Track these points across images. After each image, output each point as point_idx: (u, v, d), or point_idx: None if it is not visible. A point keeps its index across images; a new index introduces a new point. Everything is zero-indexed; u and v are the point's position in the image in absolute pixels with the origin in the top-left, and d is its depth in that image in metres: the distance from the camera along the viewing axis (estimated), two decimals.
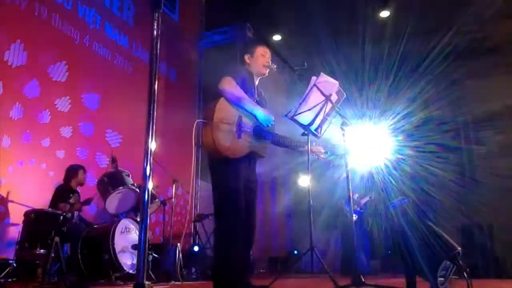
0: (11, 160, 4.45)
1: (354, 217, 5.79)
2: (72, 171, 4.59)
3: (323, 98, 2.75)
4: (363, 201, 6.10)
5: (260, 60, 2.79)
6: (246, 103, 2.57)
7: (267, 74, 2.85)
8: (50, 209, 4.09)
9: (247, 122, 2.60)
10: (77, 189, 4.62)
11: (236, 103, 2.55)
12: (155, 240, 5.79)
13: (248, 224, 2.60)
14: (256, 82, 2.84)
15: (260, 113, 2.59)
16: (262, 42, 3.01)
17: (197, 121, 2.54)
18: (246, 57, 2.81)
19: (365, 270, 5.43)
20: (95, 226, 4.36)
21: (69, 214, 3.90)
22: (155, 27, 1.54)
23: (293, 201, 10.08)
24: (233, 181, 2.52)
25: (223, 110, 2.51)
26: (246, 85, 2.67)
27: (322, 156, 3.08)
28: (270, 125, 2.63)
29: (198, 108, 8.01)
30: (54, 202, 4.27)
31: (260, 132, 2.66)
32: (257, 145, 2.60)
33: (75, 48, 5.45)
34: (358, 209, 6.12)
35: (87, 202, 4.49)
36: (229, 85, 2.54)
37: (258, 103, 2.75)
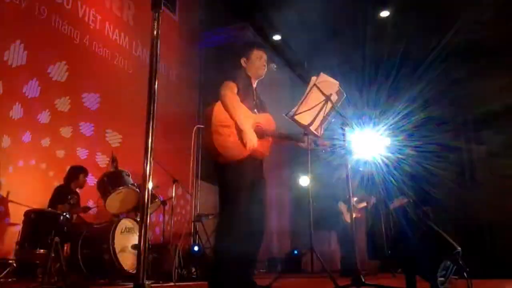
0: (11, 160, 4.45)
1: (355, 214, 5.78)
2: (73, 174, 4.59)
3: (323, 98, 2.76)
4: (360, 205, 6.08)
5: (257, 63, 2.80)
6: (237, 117, 2.51)
7: (263, 76, 2.86)
8: (49, 209, 4.09)
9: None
10: (77, 190, 4.62)
11: (228, 110, 2.52)
12: (155, 240, 5.79)
13: (257, 223, 2.61)
14: (254, 85, 2.85)
15: (247, 131, 2.51)
16: (257, 45, 3.02)
17: (196, 126, 2.56)
18: (243, 60, 2.81)
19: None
20: (95, 226, 4.36)
21: (69, 214, 3.90)
22: (155, 27, 1.54)
23: (293, 201, 10.09)
24: (238, 184, 2.53)
25: (222, 113, 2.52)
26: (245, 89, 2.69)
27: (327, 148, 3.07)
28: (248, 148, 2.51)
29: (198, 108, 8.01)
30: (53, 202, 4.28)
31: (262, 131, 2.67)
32: (259, 145, 2.60)
33: (75, 48, 5.45)
34: (355, 214, 6.07)
35: (86, 209, 4.51)
36: (230, 92, 2.54)
37: (257, 106, 2.77)
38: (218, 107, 2.53)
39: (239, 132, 2.52)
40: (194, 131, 2.55)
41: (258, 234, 2.64)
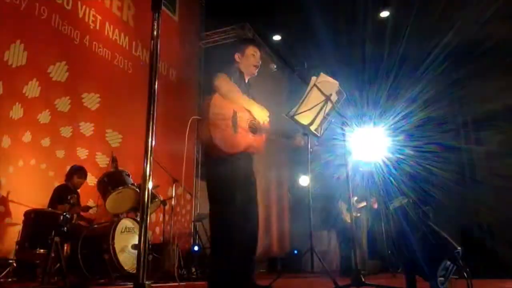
0: (11, 160, 4.45)
1: (354, 214, 5.79)
2: (69, 174, 4.60)
3: (323, 98, 2.76)
4: (360, 205, 6.07)
5: (251, 59, 2.81)
6: (241, 99, 2.62)
7: (256, 74, 2.87)
8: (50, 209, 4.09)
9: (243, 117, 2.61)
10: (77, 189, 4.62)
11: (229, 97, 2.58)
12: (155, 240, 5.79)
13: (250, 220, 2.60)
14: (246, 81, 2.86)
15: (255, 108, 2.64)
16: (252, 42, 3.03)
17: (192, 118, 2.54)
18: (237, 56, 2.82)
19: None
20: (95, 226, 4.36)
21: (69, 214, 3.90)
22: (155, 27, 1.54)
23: (293, 201, 10.09)
24: (231, 179, 2.52)
25: (218, 105, 2.52)
26: (238, 84, 2.70)
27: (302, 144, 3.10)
28: (265, 121, 2.66)
29: (198, 108, 8.01)
30: (53, 202, 4.28)
31: (256, 126, 2.67)
32: (254, 140, 2.60)
33: (75, 48, 5.45)
34: (354, 213, 6.07)
35: (86, 208, 4.51)
36: (224, 81, 2.58)
37: None
38: (214, 100, 2.52)
39: (236, 124, 2.53)
40: (189, 122, 2.52)
41: (253, 232, 2.62)
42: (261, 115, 2.65)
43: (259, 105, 2.67)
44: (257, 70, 2.84)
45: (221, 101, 2.53)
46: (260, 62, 2.85)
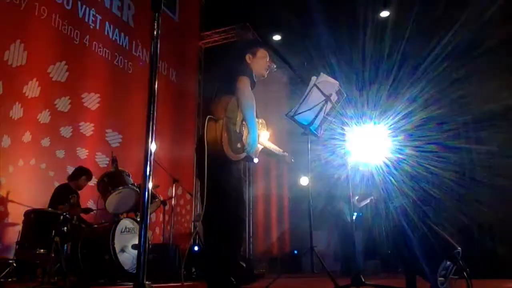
0: (11, 160, 4.45)
1: (355, 213, 5.80)
2: (76, 174, 4.60)
3: (323, 98, 2.76)
4: (362, 203, 6.07)
5: (262, 62, 2.76)
6: (252, 115, 2.48)
7: (265, 76, 2.83)
8: (50, 209, 4.09)
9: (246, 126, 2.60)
10: (78, 190, 4.62)
11: (244, 109, 2.47)
12: (155, 240, 5.79)
13: (242, 224, 2.61)
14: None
15: (254, 134, 2.49)
16: (264, 44, 3.00)
17: (208, 116, 2.47)
18: (248, 56, 2.75)
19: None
20: (95, 226, 4.36)
21: (69, 214, 3.90)
22: (155, 27, 1.54)
23: (293, 201, 10.09)
24: (231, 183, 2.52)
25: (234, 110, 2.48)
26: (252, 86, 2.66)
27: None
28: (250, 152, 2.50)
29: (198, 108, 8.01)
30: (53, 202, 4.28)
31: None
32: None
33: (75, 48, 5.45)
34: (355, 213, 6.08)
35: (87, 211, 4.51)
36: (247, 88, 2.47)
37: None
38: (232, 102, 2.47)
39: (240, 133, 2.51)
40: (207, 121, 2.46)
41: (243, 233, 2.65)
42: (253, 144, 2.50)
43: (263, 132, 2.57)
44: (267, 73, 2.78)
45: (236, 105, 2.49)
46: (270, 65, 2.80)
